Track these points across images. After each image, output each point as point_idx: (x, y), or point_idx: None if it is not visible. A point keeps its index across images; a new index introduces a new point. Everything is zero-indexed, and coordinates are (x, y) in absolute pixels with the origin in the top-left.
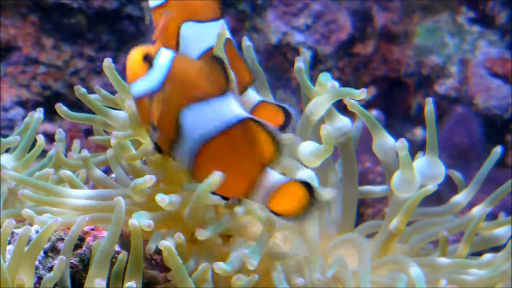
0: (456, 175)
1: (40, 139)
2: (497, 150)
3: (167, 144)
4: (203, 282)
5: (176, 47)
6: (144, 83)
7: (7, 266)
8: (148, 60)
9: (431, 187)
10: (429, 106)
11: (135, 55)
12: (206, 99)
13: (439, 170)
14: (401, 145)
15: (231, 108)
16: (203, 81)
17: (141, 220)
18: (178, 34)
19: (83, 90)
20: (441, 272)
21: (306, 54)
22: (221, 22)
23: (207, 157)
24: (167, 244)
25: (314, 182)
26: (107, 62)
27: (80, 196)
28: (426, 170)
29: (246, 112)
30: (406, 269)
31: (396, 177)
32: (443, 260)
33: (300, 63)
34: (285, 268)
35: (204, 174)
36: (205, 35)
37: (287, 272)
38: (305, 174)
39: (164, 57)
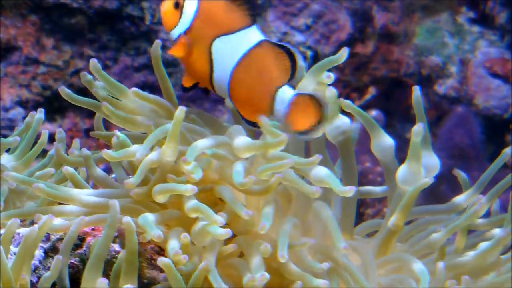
0: (461, 174)
1: (44, 136)
2: (507, 151)
3: (206, 79)
4: (201, 282)
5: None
6: (179, 26)
7: (11, 266)
8: (179, 6)
9: (428, 180)
10: (416, 93)
11: (166, 5)
12: (232, 32)
13: (434, 161)
14: (418, 129)
15: (253, 35)
16: (228, 17)
17: (151, 231)
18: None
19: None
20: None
21: (300, 56)
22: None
23: (236, 80)
24: (167, 261)
25: (332, 179)
26: (93, 63)
27: (87, 194)
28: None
29: (264, 36)
30: (409, 265)
31: (402, 169)
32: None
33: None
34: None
35: (237, 97)
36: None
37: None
38: (321, 171)
39: (191, 3)
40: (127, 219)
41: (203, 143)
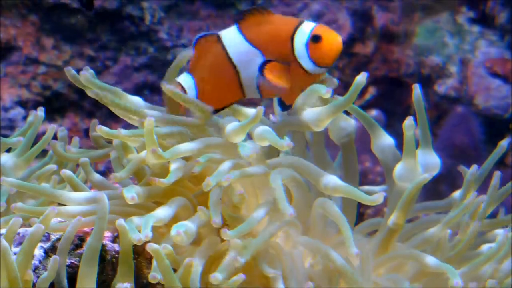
0: (465, 170)
1: (51, 130)
2: (503, 144)
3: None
4: (189, 279)
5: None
6: None
7: (16, 264)
8: None
9: (427, 176)
10: (416, 91)
11: None
12: None
13: (434, 160)
14: (409, 123)
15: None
16: None
17: (126, 193)
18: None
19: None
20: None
21: None
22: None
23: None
24: (156, 247)
25: (271, 135)
26: (83, 75)
27: (78, 200)
28: (421, 161)
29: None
30: (421, 260)
31: (398, 166)
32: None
33: None
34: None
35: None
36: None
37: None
38: (261, 127)
39: None
40: (120, 221)
41: (186, 147)
